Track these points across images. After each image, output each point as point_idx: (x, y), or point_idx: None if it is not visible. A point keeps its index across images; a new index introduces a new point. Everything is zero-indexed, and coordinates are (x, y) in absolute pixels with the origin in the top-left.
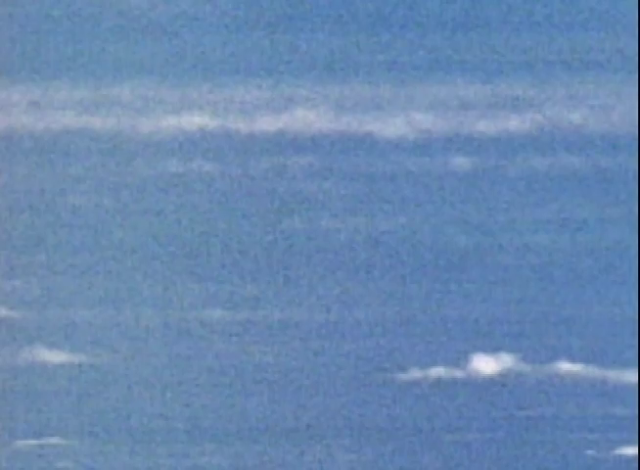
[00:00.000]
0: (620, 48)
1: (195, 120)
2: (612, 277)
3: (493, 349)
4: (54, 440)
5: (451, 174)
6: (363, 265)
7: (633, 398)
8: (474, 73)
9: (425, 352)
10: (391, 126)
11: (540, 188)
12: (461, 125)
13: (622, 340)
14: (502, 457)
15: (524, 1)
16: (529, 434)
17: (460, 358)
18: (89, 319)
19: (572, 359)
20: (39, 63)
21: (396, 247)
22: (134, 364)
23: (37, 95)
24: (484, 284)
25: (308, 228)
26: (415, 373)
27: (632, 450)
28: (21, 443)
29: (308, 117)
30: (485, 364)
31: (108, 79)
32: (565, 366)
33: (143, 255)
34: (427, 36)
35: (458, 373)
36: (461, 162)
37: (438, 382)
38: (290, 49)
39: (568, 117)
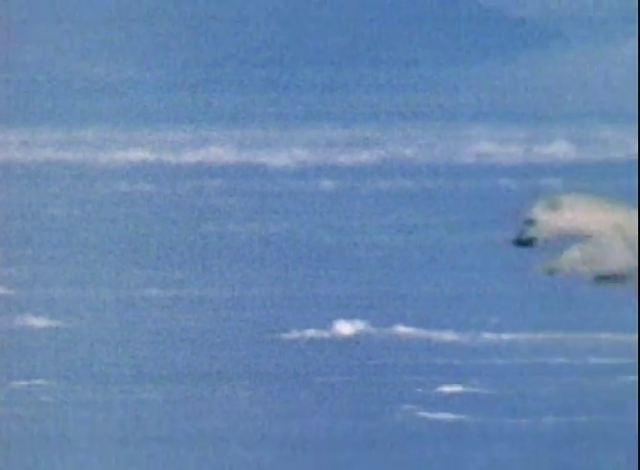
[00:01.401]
0: (445, 100)
1: (139, 155)
2: (433, 267)
3: (350, 316)
4: (39, 381)
5: (320, 193)
6: (258, 257)
7: (452, 349)
8: (336, 121)
9: (302, 318)
10: (278, 159)
11: (383, 203)
12: (328, 158)
13: (442, 308)
14: (357, 393)
15: (375, 69)
16: (377, 377)
17: (327, 323)
18: (63, 295)
19: (407, 324)
20: (27, 114)
21: (281, 244)
22: (95, 327)
23: (26, 136)
24: (344, 270)
25: (219, 231)
26: (294, 334)
27: (450, 388)
28: (15, 383)
29: (219, 153)
30: (345, 328)
31: (76, 125)
32: (401, 329)
33: (101, 250)
34: (302, 95)
35: (325, 334)
36: (327, 184)
37: (311, 340)
38: (206, 104)
39: (403, 152)
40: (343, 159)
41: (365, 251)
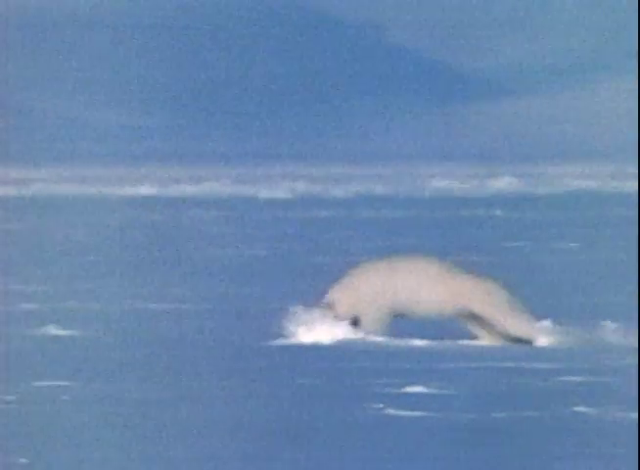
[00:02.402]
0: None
1: (144, 189)
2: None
3: (330, 325)
4: (58, 382)
5: (308, 220)
6: (251, 276)
7: (415, 355)
8: (318, 160)
9: (282, 328)
10: (266, 192)
11: (360, 229)
12: (308, 192)
13: (407, 321)
14: (333, 393)
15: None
16: (350, 379)
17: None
18: (78, 309)
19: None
20: (50, 154)
21: (273, 264)
22: (106, 336)
23: (51, 173)
24: (328, 283)
25: (216, 254)
26: (281, 341)
27: (412, 389)
28: (37, 383)
29: (214, 186)
30: (323, 335)
31: (92, 164)
32: (371, 338)
33: (112, 270)
34: (287, 138)
35: (307, 341)
36: (309, 214)
37: (294, 347)
38: (203, 145)
39: (373, 188)
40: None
41: (342, 268)
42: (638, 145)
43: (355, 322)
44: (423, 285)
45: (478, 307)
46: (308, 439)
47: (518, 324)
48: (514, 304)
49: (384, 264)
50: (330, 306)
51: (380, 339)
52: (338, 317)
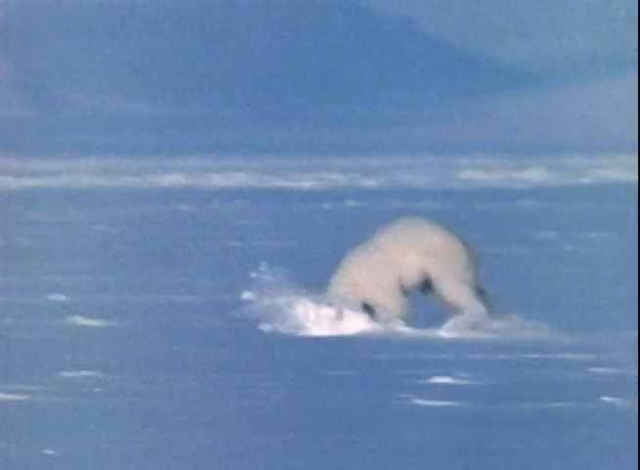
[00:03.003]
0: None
1: (173, 179)
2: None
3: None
4: (85, 372)
5: (338, 212)
6: (276, 267)
7: (442, 346)
8: (346, 152)
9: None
10: (292, 183)
11: (386, 220)
12: (338, 183)
13: (434, 311)
14: (361, 383)
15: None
16: (378, 370)
17: (335, 322)
18: (105, 300)
19: (402, 324)
20: (73, 146)
21: (299, 256)
22: (133, 326)
23: (75, 165)
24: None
25: (242, 245)
26: (315, 331)
27: (440, 380)
28: (65, 374)
29: (242, 177)
30: (352, 326)
31: (120, 155)
32: (398, 328)
33: (138, 262)
34: (315, 129)
35: (333, 332)
36: (336, 205)
37: (323, 338)
38: (232, 136)
39: (403, 179)
40: (350, 184)
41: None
42: (638, 138)
43: (370, 311)
44: (409, 252)
45: (429, 264)
46: (335, 430)
47: (453, 290)
48: (464, 271)
49: (372, 245)
50: (335, 298)
51: (406, 330)
52: (349, 308)
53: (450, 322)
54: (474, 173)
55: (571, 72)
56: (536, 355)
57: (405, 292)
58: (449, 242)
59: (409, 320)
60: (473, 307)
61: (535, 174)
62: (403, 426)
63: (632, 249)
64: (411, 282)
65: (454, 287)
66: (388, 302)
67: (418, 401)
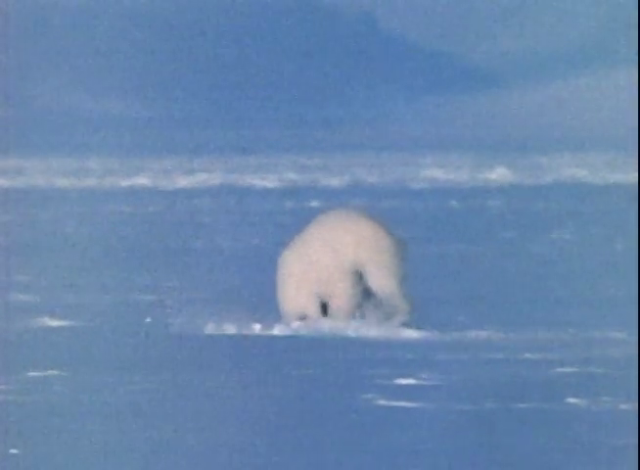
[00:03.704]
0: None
1: (138, 181)
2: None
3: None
4: (52, 372)
5: (300, 212)
6: (240, 267)
7: (407, 347)
8: (309, 151)
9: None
10: (256, 182)
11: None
12: (299, 183)
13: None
14: (324, 384)
15: (344, 106)
16: (341, 370)
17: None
18: (71, 300)
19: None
20: (45, 146)
21: (262, 256)
22: (98, 326)
23: (43, 165)
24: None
25: (207, 245)
26: (277, 330)
27: (404, 381)
28: (31, 374)
29: (205, 177)
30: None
31: (85, 155)
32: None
33: (105, 261)
34: (278, 129)
35: (302, 332)
36: (293, 205)
37: (290, 337)
38: (194, 137)
39: (366, 178)
40: (314, 182)
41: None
42: (638, 134)
43: (324, 308)
44: (341, 243)
45: (360, 255)
46: (299, 429)
47: (381, 282)
48: (393, 264)
49: (305, 241)
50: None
51: (371, 330)
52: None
53: (371, 316)
54: (437, 172)
55: (534, 72)
56: (499, 356)
57: (350, 282)
58: (379, 234)
59: (364, 311)
60: (397, 301)
61: (499, 173)
62: (367, 427)
63: (596, 249)
64: (346, 272)
65: (383, 279)
66: (339, 293)
67: (382, 402)
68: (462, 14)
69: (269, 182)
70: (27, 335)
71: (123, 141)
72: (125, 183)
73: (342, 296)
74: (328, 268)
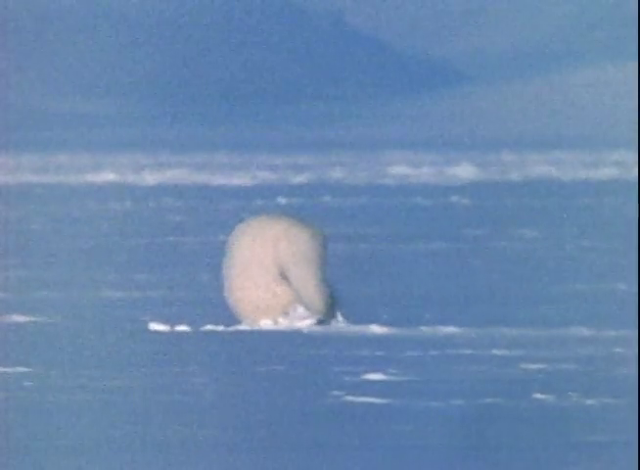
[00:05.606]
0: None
1: (106, 177)
2: (365, 270)
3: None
4: (21, 368)
5: (261, 209)
6: (211, 264)
7: (375, 343)
8: (276, 149)
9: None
10: (224, 180)
11: (315, 217)
12: (266, 181)
13: (370, 306)
14: (293, 380)
15: (312, 105)
16: (310, 367)
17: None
18: (42, 297)
19: (337, 320)
20: (11, 143)
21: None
22: (70, 323)
23: (11, 162)
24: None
25: (175, 242)
26: (244, 326)
27: (373, 376)
28: (0, 369)
29: (175, 174)
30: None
31: (52, 152)
32: (333, 324)
33: (74, 258)
34: (246, 127)
35: (274, 327)
36: (259, 203)
37: (260, 332)
38: (164, 134)
39: (332, 175)
40: (281, 181)
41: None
42: (638, 133)
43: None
44: (266, 245)
45: (281, 254)
46: (266, 426)
47: (300, 280)
48: (312, 262)
49: (235, 250)
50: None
51: (339, 325)
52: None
53: (290, 312)
54: (405, 169)
55: (501, 70)
56: (468, 352)
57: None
58: (300, 233)
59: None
60: (313, 299)
61: (465, 170)
62: (335, 423)
63: (555, 244)
64: (274, 273)
65: (301, 277)
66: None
67: (350, 398)
68: (428, 12)
69: (237, 179)
70: None
71: (92, 137)
72: (93, 179)
73: (280, 295)
74: (258, 271)
